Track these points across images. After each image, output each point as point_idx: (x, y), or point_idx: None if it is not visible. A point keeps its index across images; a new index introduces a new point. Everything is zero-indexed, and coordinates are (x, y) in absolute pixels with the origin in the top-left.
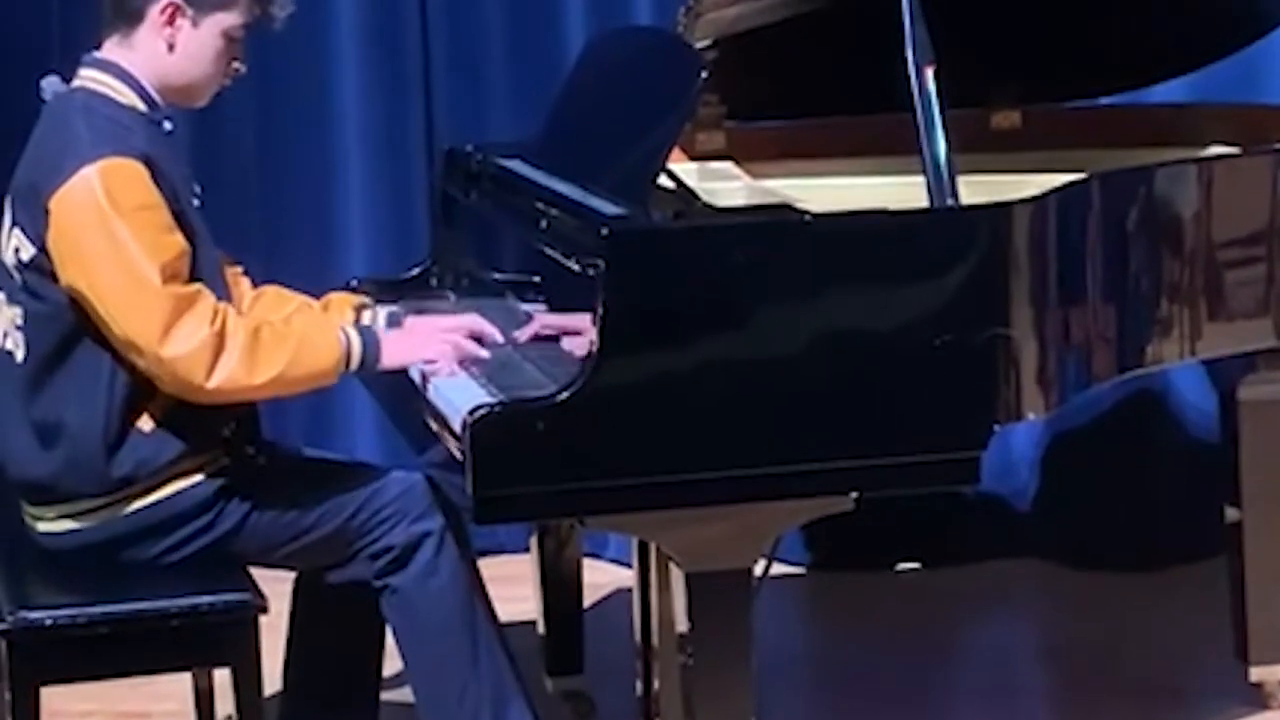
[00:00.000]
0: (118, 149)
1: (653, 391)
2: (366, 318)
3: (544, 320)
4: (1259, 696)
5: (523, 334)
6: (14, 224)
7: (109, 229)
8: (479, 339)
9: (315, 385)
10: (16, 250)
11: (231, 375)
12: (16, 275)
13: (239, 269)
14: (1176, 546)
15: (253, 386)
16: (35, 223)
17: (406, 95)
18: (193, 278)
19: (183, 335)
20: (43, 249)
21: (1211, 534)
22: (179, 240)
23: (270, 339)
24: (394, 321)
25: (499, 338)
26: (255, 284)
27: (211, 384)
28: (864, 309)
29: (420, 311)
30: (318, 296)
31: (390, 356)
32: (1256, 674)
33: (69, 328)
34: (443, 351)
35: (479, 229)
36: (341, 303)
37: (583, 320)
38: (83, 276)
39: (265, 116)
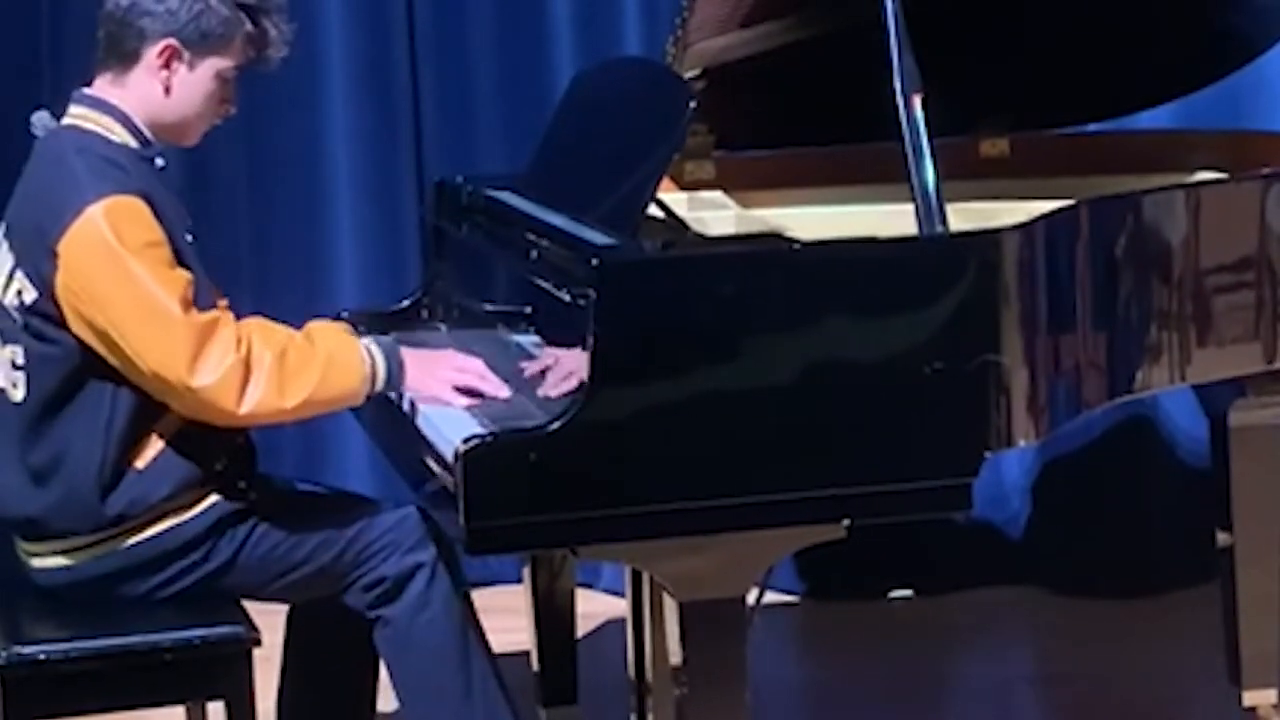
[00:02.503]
0: (118, 187)
1: (644, 421)
2: None
3: (546, 361)
4: None
5: (527, 370)
6: (16, 266)
7: (122, 266)
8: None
9: (343, 405)
10: (19, 293)
11: (263, 399)
12: (18, 317)
13: (224, 302)
14: (1168, 572)
15: (284, 409)
16: (41, 267)
17: (396, 128)
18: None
19: (210, 364)
20: (48, 293)
21: (1203, 559)
22: (185, 273)
23: (297, 361)
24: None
25: (505, 392)
26: (239, 317)
27: (244, 409)
28: (853, 337)
29: (407, 343)
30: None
31: (414, 381)
32: (1250, 698)
33: (74, 368)
34: (458, 396)
35: (469, 260)
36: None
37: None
38: (102, 316)
39: (256, 150)
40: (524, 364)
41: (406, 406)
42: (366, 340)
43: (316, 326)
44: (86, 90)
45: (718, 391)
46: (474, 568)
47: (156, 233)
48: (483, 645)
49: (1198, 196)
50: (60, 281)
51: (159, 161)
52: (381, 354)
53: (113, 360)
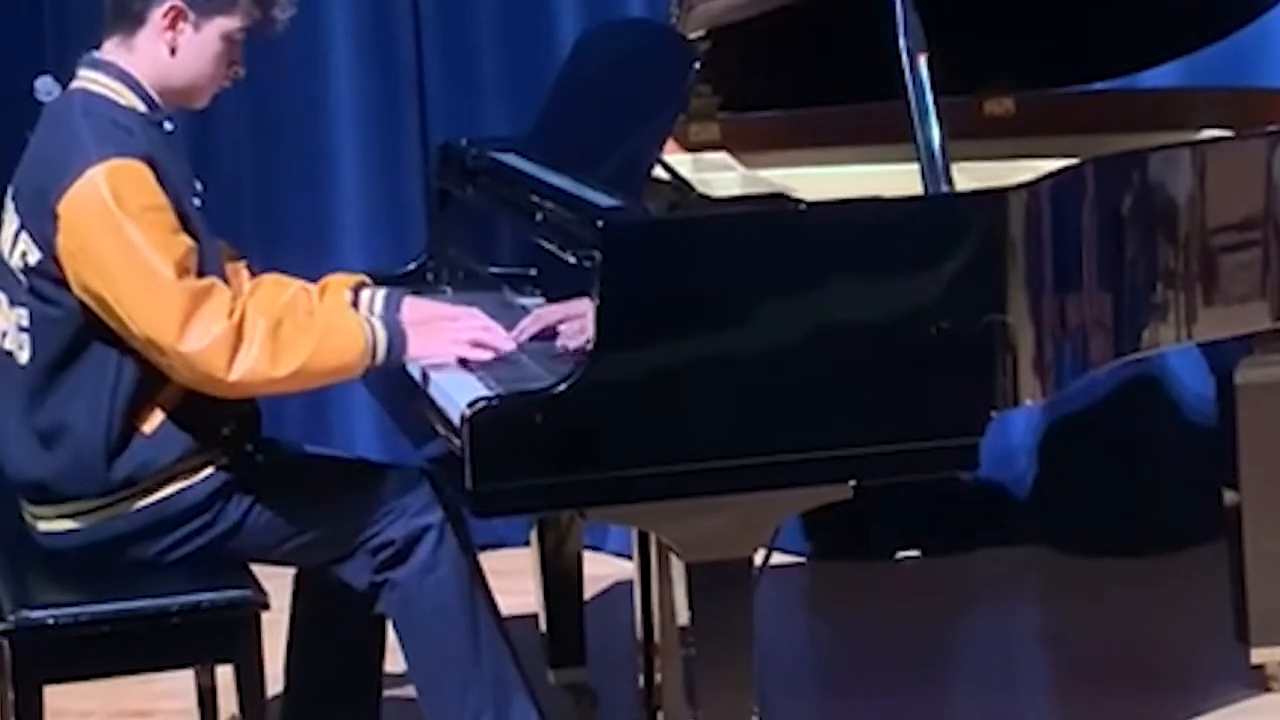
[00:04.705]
0: (121, 150)
1: (650, 382)
2: (365, 297)
3: (542, 316)
4: (1260, 678)
5: (523, 333)
6: (21, 228)
7: (119, 230)
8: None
9: (340, 378)
10: (24, 254)
11: (253, 368)
12: (23, 279)
13: (241, 263)
14: (1175, 531)
15: (275, 379)
16: (44, 227)
17: (400, 91)
18: (198, 276)
19: (200, 330)
20: (51, 254)
21: (1210, 517)
22: (186, 239)
23: (292, 331)
24: (394, 302)
25: (508, 345)
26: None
27: (233, 377)
28: (859, 297)
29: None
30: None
31: (416, 349)
32: (1257, 656)
33: (78, 331)
34: (465, 346)
35: (474, 223)
36: (339, 285)
37: (580, 305)
38: (97, 278)
39: (259, 114)
40: (527, 324)
41: (416, 371)
42: (370, 302)
43: (331, 286)
44: (95, 54)
45: (723, 353)
46: (481, 530)
47: (157, 197)
48: (490, 608)
49: (1203, 154)
50: (60, 242)
51: (167, 125)
52: (384, 329)
53: (110, 323)
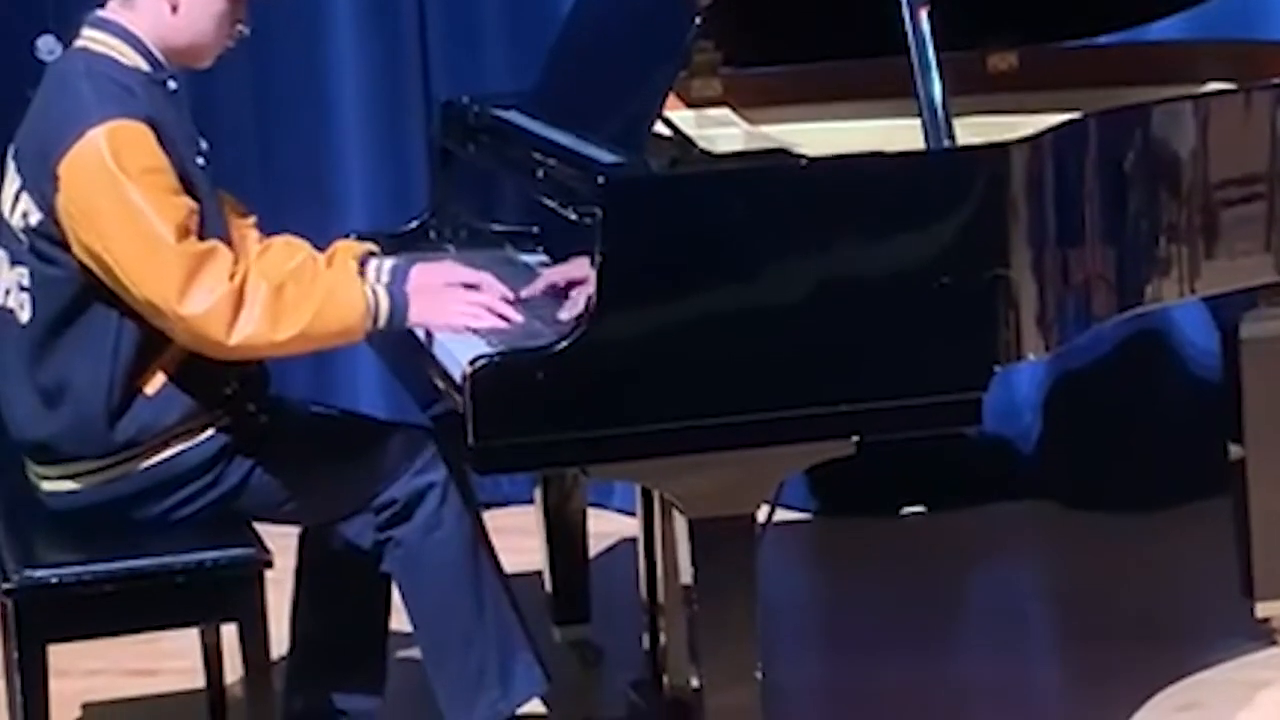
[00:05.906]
0: (123, 111)
1: (652, 339)
2: (372, 266)
3: (548, 276)
4: (1265, 632)
5: (530, 290)
6: (22, 188)
7: (119, 191)
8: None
9: (341, 342)
10: (25, 215)
11: (254, 331)
12: (24, 238)
13: (251, 219)
14: (1180, 485)
15: (275, 343)
16: (44, 188)
17: (402, 48)
18: (200, 238)
19: (201, 293)
20: (51, 215)
21: (1215, 472)
22: (187, 201)
23: (294, 295)
24: (401, 273)
25: (516, 317)
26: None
27: (233, 341)
28: (862, 252)
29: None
30: (319, 250)
31: (418, 315)
32: (1262, 609)
33: (78, 291)
34: (471, 316)
35: (477, 181)
36: (346, 251)
37: (584, 265)
38: (98, 240)
39: (261, 72)
40: (530, 286)
41: (420, 331)
42: (377, 272)
43: (339, 253)
44: (98, 13)
45: (726, 309)
46: (485, 488)
47: (158, 159)
48: (494, 565)
49: (1207, 108)
50: (59, 203)
51: (171, 84)
52: (386, 294)
53: (110, 284)
